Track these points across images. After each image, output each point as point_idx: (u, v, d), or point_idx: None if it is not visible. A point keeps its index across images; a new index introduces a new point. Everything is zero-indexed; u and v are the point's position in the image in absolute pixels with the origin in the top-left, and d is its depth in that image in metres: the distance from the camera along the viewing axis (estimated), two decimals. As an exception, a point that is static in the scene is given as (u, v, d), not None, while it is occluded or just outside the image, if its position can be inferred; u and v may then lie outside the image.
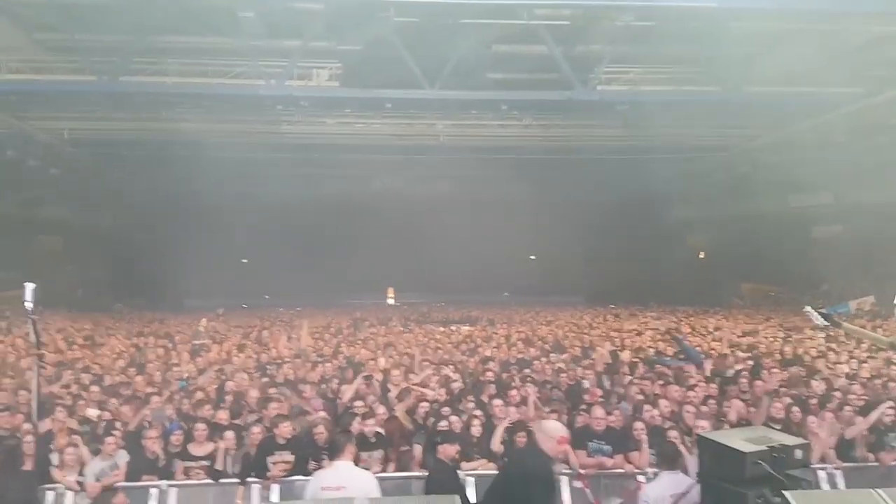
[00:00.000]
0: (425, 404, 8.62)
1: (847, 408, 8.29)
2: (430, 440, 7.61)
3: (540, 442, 5.71)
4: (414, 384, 9.83)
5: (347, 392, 9.10)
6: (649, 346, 15.21)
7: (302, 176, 31.50)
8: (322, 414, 8.17)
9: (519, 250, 38.65)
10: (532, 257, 40.79)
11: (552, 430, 5.70)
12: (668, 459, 6.47)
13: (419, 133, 27.02)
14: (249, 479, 7.25)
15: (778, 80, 20.54)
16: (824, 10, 16.41)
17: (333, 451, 6.24)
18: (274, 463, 7.30)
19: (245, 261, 37.87)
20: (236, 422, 8.36)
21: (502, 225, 34.97)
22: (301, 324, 19.12)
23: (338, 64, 21.53)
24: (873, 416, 7.80)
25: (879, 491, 4.69)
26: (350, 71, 21.54)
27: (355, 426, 7.55)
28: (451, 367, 11.80)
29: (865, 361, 11.48)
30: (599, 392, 9.38)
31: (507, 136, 27.45)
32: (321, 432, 7.34)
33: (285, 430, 7.50)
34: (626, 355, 13.20)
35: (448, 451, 6.92)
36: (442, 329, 21.53)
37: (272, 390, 9.67)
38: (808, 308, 5.29)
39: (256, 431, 7.75)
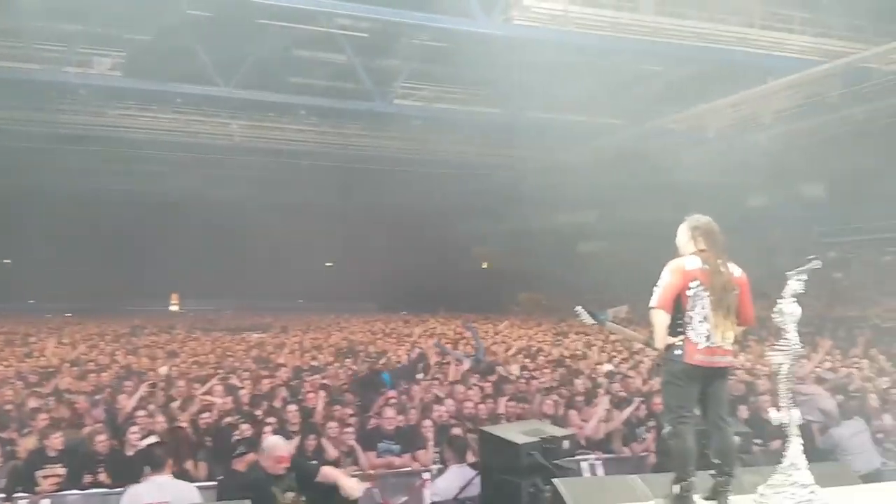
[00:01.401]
0: (209, 414, 8.41)
1: (607, 403, 9.32)
2: (223, 449, 7.46)
3: (261, 459, 5.75)
4: (200, 393, 9.55)
5: (129, 402, 8.62)
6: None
7: (77, 170, 28.78)
8: (99, 425, 7.69)
9: (314, 257, 38.41)
10: (328, 264, 40.73)
11: (272, 448, 5.66)
12: (458, 453, 6.92)
13: (212, 132, 25.96)
14: (16, 494, 6.66)
15: (555, 107, 22.55)
16: (594, 46, 18.27)
17: (153, 465, 6.00)
18: (44, 476, 6.78)
19: (7, 261, 33.83)
20: (1, 434, 7.64)
21: (298, 231, 34.54)
22: (73, 330, 17.66)
23: (122, 53, 20.17)
24: (626, 412, 8.85)
25: (634, 476, 5.44)
26: (135, 61, 20.27)
27: (133, 437, 7.23)
28: (242, 374, 11.55)
29: (624, 361, 13.04)
30: (393, 393, 9.72)
31: (305, 142, 27.29)
32: (102, 441, 6.95)
33: (56, 441, 6.99)
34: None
35: (249, 459, 6.82)
36: (231, 336, 20.86)
37: (40, 400, 8.89)
38: (580, 308, 5.97)
39: (24, 444, 7.16)
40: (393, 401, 8.98)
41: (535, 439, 5.81)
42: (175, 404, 8.89)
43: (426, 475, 7.58)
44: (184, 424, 8.04)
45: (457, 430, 7.91)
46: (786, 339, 4.63)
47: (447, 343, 16.49)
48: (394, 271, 36.06)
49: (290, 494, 5.52)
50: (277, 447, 5.61)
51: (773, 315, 4.68)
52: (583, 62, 19.68)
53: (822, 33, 18.58)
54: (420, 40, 19.93)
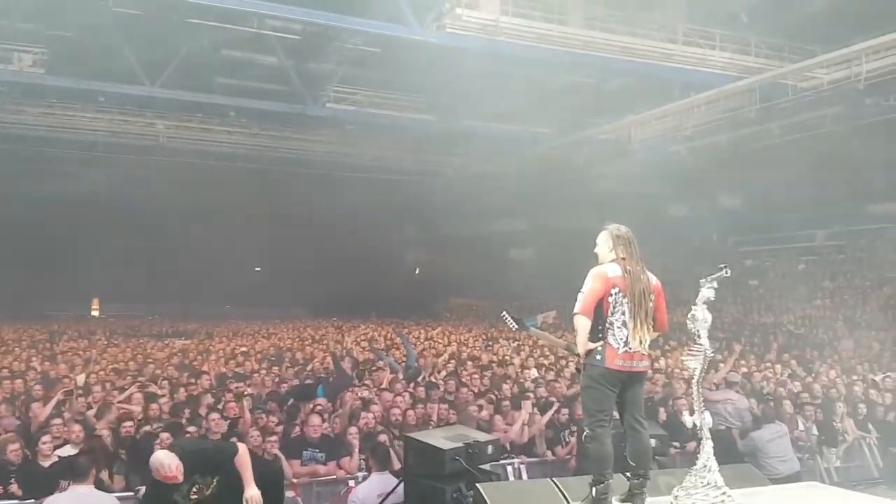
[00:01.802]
0: (131, 423, 8.15)
1: (530, 408, 9.46)
2: (142, 460, 7.22)
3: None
4: (118, 401, 9.26)
5: (44, 410, 8.27)
6: (368, 354, 15.90)
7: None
8: (10, 434, 7.35)
9: (243, 262, 37.63)
10: (257, 269, 40.00)
11: (156, 468, 5.05)
12: (380, 461, 6.89)
13: (136, 132, 25.30)
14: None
15: (488, 115, 22.82)
16: (525, 57, 18.57)
17: (74, 475, 5.78)
18: (-49, 488, 6.44)
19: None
20: None
21: (226, 235, 33.78)
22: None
23: (44, 49, 19.42)
24: (547, 416, 9.02)
25: (555, 479, 5.53)
26: (58, 58, 19.54)
27: (45, 447, 6.95)
28: (163, 382, 11.23)
29: (551, 366, 13.27)
30: (320, 401, 9.61)
31: (234, 143, 26.87)
32: (14, 451, 6.64)
33: (-38, 453, 6.65)
34: (347, 364, 13.59)
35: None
36: (154, 343, 20.28)
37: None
38: (504, 313, 6.04)
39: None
40: (319, 408, 8.88)
41: (460, 445, 5.84)
42: (91, 412, 8.58)
43: (352, 483, 7.53)
44: (102, 433, 7.77)
45: (383, 437, 7.90)
46: (699, 344, 4.77)
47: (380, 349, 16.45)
48: (325, 277, 35.69)
49: (197, 488, 5.15)
50: (162, 467, 4.97)
51: (686, 321, 4.82)
52: (515, 72, 20.01)
53: (741, 50, 19.37)
54: (353, 44, 19.85)
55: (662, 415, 9.22)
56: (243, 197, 32.08)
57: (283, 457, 7.55)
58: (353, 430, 8.07)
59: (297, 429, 8.33)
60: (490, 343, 19.30)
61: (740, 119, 20.80)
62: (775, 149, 21.70)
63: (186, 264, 34.06)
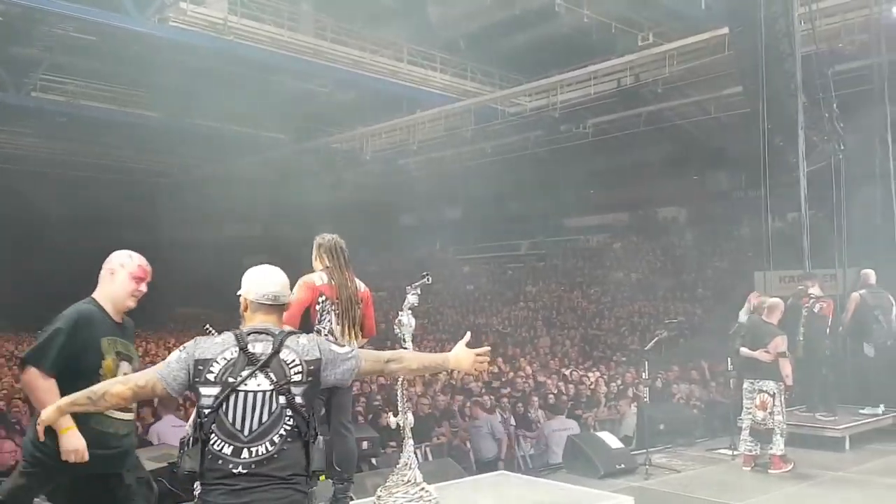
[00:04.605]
0: None
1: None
2: None
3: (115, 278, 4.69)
4: None
5: None
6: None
7: None
8: None
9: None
10: None
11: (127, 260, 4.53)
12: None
13: None
14: None
15: (219, 116, 22.04)
16: (255, 60, 18.30)
17: None
18: None
19: None
20: None
21: None
22: None
23: None
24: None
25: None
26: None
27: None
28: None
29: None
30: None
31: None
32: None
33: None
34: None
35: None
36: None
37: None
38: (208, 325, 5.90)
39: None
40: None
41: (163, 465, 5.63)
42: None
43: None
44: None
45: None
46: (404, 348, 5.07)
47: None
48: (25, 285, 31.64)
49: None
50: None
51: (393, 327, 5.10)
52: (247, 74, 19.58)
53: (459, 74, 20.94)
54: (63, 30, 17.96)
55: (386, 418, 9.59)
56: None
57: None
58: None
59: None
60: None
61: (458, 138, 22.48)
62: (488, 166, 23.79)
63: None
